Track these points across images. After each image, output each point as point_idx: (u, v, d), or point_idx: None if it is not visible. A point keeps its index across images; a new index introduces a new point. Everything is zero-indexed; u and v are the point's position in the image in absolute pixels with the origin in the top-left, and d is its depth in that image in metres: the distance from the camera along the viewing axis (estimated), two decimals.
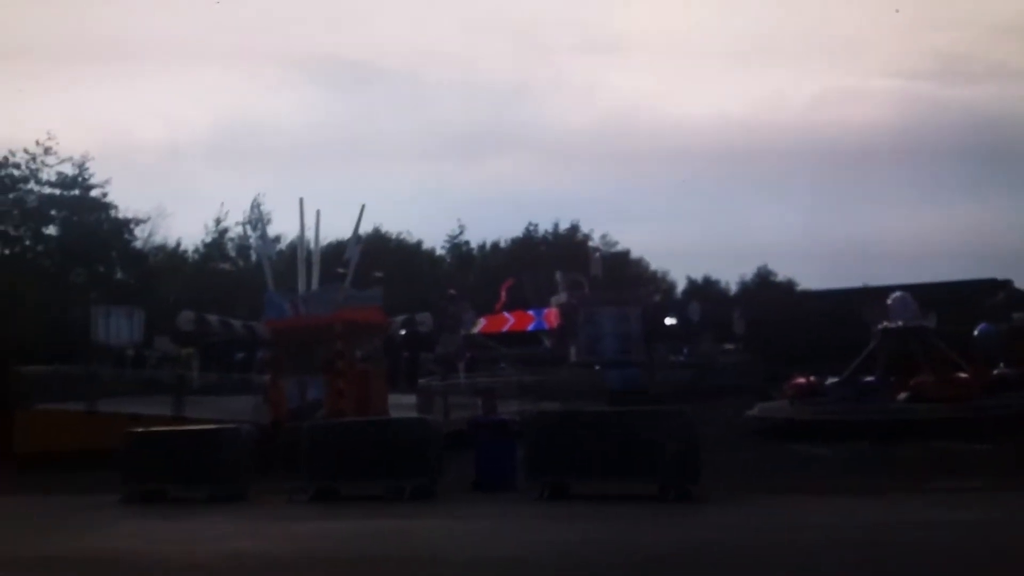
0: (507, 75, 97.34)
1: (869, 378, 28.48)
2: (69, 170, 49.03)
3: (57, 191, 49.11)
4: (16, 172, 48.19)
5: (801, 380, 28.94)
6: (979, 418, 24.27)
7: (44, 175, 48.77)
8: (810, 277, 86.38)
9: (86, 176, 49.39)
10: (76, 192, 49.32)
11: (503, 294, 49.40)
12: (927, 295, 32.89)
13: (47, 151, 48.29)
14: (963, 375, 27.53)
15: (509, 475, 18.89)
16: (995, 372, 27.86)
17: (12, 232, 48.23)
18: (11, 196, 48.14)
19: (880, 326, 29.82)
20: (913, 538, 12.31)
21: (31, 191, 48.70)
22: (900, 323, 29.51)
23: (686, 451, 16.89)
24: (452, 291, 46.79)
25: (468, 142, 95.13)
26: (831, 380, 28.77)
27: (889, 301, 30.53)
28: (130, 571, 12.35)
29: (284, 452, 22.19)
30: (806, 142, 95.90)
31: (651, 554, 12.05)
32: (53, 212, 49.14)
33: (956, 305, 34.32)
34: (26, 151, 47.98)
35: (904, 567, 10.57)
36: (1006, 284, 40.70)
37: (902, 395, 27.27)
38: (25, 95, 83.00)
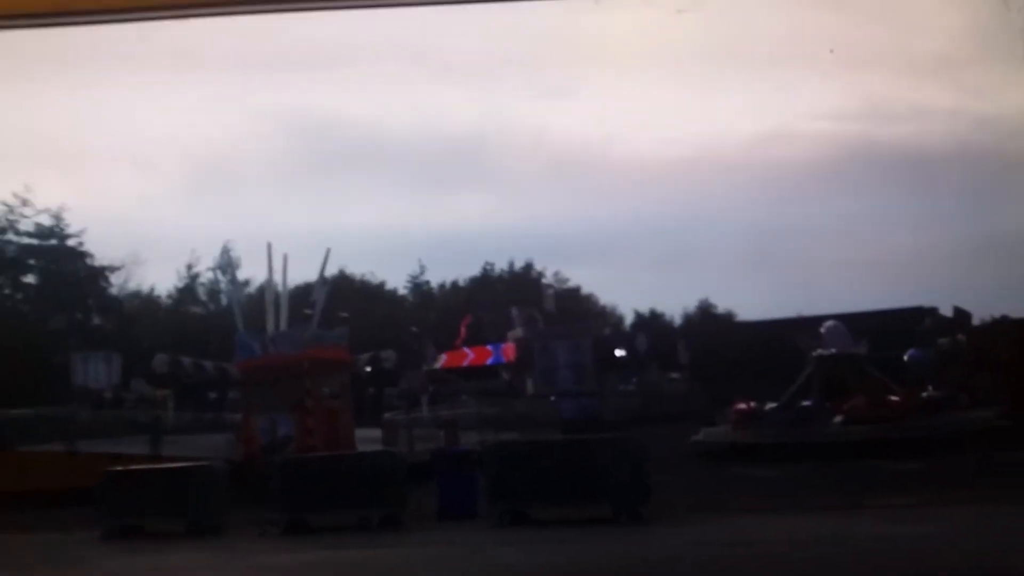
0: (464, 123, 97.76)
1: (806, 402, 28.73)
2: (47, 221, 48.68)
3: (35, 241, 48.69)
4: None
5: (742, 406, 29.12)
6: (910, 438, 24.52)
7: (22, 226, 48.38)
8: (749, 308, 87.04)
9: (62, 226, 49.04)
10: (53, 242, 48.92)
11: (462, 331, 49.36)
12: (858, 323, 33.28)
13: (24, 203, 47.93)
14: (894, 398, 27.85)
15: (472, 503, 18.82)
16: (924, 395, 28.20)
17: None
18: None
19: (815, 353, 30.13)
20: (849, 552, 12.46)
21: (10, 242, 48.25)
22: (834, 350, 29.84)
23: (637, 475, 16.98)
24: (414, 329, 46.77)
25: (427, 186, 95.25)
26: (771, 405, 28.98)
27: (823, 330, 30.89)
28: None
29: (257, 487, 22.03)
30: (742, 180, 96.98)
31: (606, 573, 12.12)
32: (31, 261, 48.68)
33: (886, 332, 34.73)
34: (4, 203, 47.61)
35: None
36: (932, 311, 41.24)
37: (837, 418, 27.51)
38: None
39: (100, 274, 50.68)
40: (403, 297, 71.48)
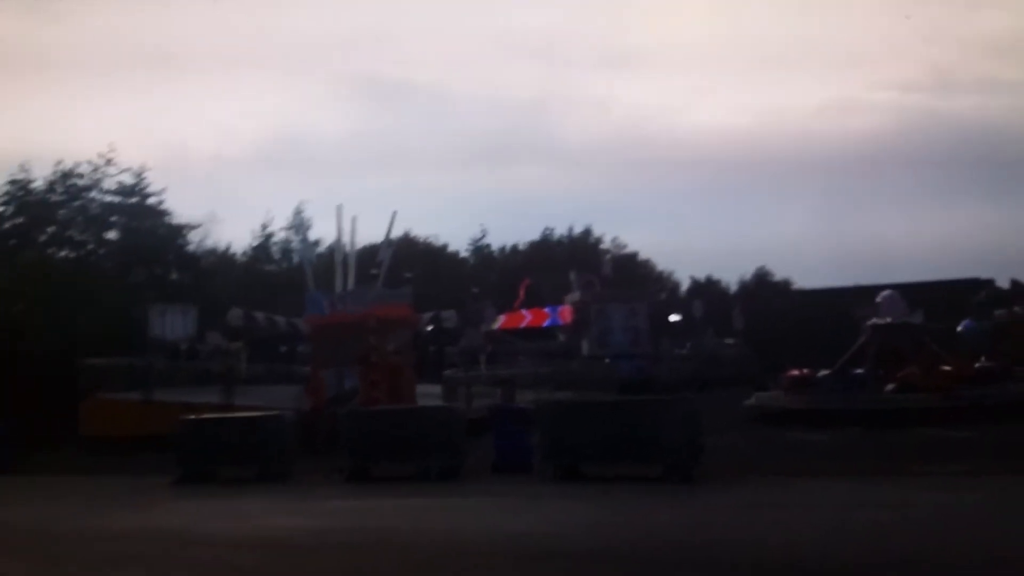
0: (527, 90, 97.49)
1: (859, 370, 28.34)
2: (129, 180, 49.46)
3: (118, 199, 49.49)
4: (80, 182, 48.63)
5: (795, 372, 28.80)
6: (961, 408, 24.07)
7: (106, 184, 49.20)
8: (805, 277, 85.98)
9: (144, 185, 49.79)
10: (135, 200, 49.67)
11: (521, 293, 49.39)
12: (914, 293, 32.75)
13: (108, 162, 48.73)
14: (947, 368, 27.34)
15: (526, 458, 18.92)
16: (977, 365, 27.64)
17: (77, 236, 48.65)
18: (76, 204, 48.57)
19: (870, 322, 29.68)
20: (894, 516, 12.29)
21: (94, 199, 49.09)
22: (889, 319, 29.35)
23: (689, 436, 16.84)
24: (475, 290, 46.95)
25: (491, 152, 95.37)
26: (823, 372, 28.64)
27: (879, 299, 30.38)
28: (184, 544, 12.47)
29: (323, 436, 22.38)
30: (805, 150, 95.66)
31: (656, 528, 12.11)
32: (114, 218, 49.52)
33: (941, 303, 34.12)
34: (89, 162, 48.45)
35: (884, 541, 10.59)
36: (988, 283, 40.44)
37: (889, 386, 27.09)
38: (87, 109, 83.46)
39: (179, 231, 51.45)
40: (465, 259, 71.70)
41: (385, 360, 28.39)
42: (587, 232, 72.50)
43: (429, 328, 35.37)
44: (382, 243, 34.83)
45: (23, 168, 47.31)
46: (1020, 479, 15.62)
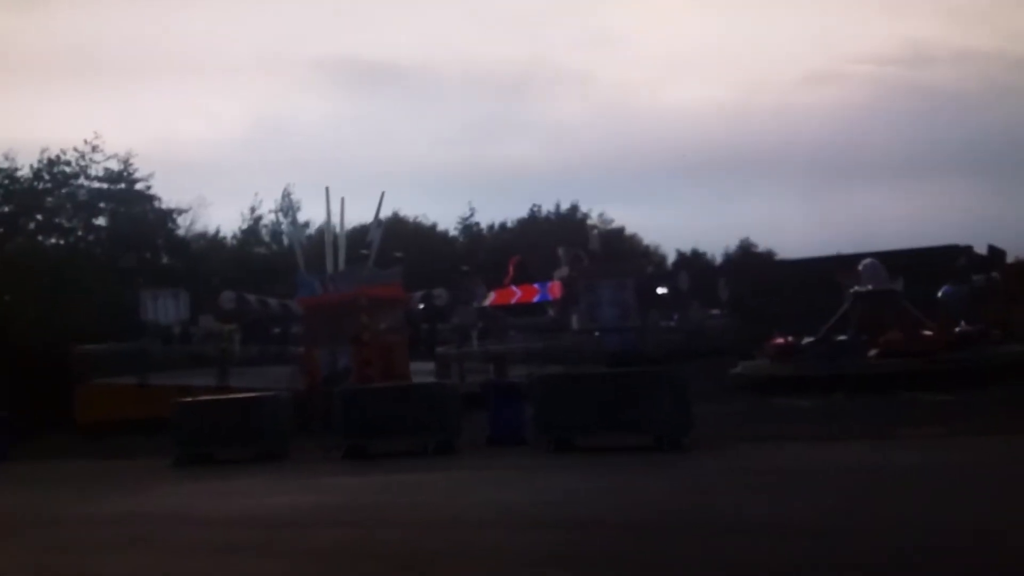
0: (512, 69, 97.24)
1: (842, 337, 28.56)
2: (115, 166, 49.22)
3: (105, 185, 49.25)
4: (67, 169, 48.34)
5: (780, 340, 29.00)
6: (943, 371, 24.31)
7: (93, 171, 48.91)
8: (788, 247, 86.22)
9: (131, 171, 49.55)
10: (123, 186, 49.45)
11: (511, 269, 49.43)
12: (895, 261, 32.88)
13: (95, 149, 48.45)
14: (928, 333, 27.61)
15: (519, 431, 19.08)
16: (957, 330, 27.92)
17: (66, 224, 48.45)
18: (64, 191, 48.33)
19: (852, 290, 29.88)
20: (878, 479, 12.50)
21: (82, 186, 48.83)
22: (870, 287, 29.56)
23: (678, 406, 17.01)
24: (465, 268, 46.98)
25: (477, 132, 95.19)
26: (807, 340, 28.85)
27: (860, 267, 30.59)
28: (184, 524, 12.59)
29: (319, 415, 22.49)
30: (785, 124, 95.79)
31: (648, 496, 12.28)
32: (102, 204, 49.30)
33: (921, 270, 34.30)
34: (76, 150, 48.13)
35: (868, 503, 10.79)
36: (967, 249, 40.60)
37: (872, 352, 27.34)
38: (72, 99, 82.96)
39: (168, 216, 51.30)
40: (454, 238, 71.76)
41: (378, 339, 28.50)
42: (574, 208, 72.63)
43: (421, 306, 35.47)
44: (371, 223, 34.90)
45: (8, 157, 46.99)
46: (998, 439, 15.86)
